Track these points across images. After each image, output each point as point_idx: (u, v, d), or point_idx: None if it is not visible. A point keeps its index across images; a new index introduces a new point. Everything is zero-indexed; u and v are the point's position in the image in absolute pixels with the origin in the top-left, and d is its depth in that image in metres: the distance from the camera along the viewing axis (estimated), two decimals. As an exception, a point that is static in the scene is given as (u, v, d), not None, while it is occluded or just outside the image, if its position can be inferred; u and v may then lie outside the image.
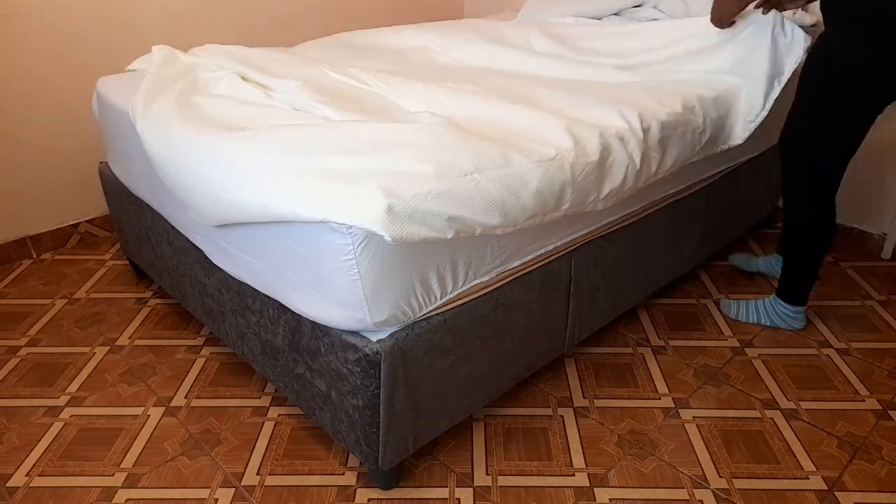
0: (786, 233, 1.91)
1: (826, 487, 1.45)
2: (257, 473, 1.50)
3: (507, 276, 1.45)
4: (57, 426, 1.65)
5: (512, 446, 1.57)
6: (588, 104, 1.58)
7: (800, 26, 1.81)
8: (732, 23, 1.81)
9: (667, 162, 1.62)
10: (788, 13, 1.89)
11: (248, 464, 1.53)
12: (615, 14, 2.40)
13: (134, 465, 1.53)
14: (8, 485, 1.48)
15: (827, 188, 1.76)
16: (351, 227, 1.13)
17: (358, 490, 1.46)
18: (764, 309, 2.01)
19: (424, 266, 1.25)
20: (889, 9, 1.45)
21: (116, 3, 2.37)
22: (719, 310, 2.08)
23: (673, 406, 1.70)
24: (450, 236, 1.19)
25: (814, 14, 2.15)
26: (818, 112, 1.66)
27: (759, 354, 1.89)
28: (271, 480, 1.48)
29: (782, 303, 1.97)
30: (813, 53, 1.67)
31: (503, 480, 1.48)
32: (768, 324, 2.00)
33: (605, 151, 1.44)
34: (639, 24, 2.13)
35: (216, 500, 1.43)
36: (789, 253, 1.91)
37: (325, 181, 1.18)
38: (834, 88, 1.60)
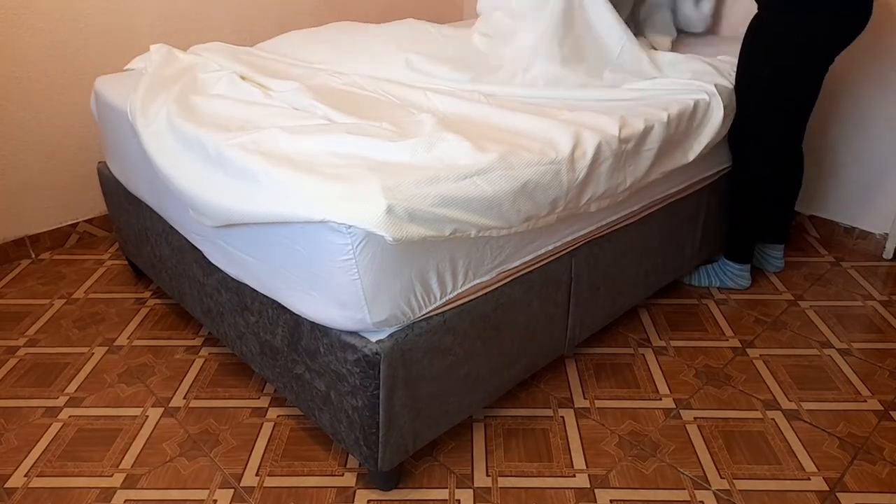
0: (734, 191, 2.05)
1: (827, 488, 1.45)
2: (256, 474, 1.50)
3: (507, 276, 1.44)
4: (55, 427, 1.65)
5: (512, 447, 1.57)
6: (587, 111, 1.58)
7: None
8: None
9: (656, 169, 1.62)
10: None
11: (247, 465, 1.52)
12: None
13: (133, 466, 1.52)
14: (6, 485, 1.48)
15: (777, 146, 1.95)
16: (351, 226, 1.12)
17: (357, 491, 1.45)
18: (714, 272, 2.18)
19: (424, 266, 1.25)
20: None
21: (116, 3, 2.37)
22: (692, 282, 2.20)
23: (674, 407, 1.69)
24: (447, 234, 1.19)
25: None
26: (756, 76, 1.82)
27: (761, 355, 1.88)
28: (270, 481, 1.48)
29: (728, 262, 2.14)
30: (753, 24, 1.83)
31: (503, 481, 1.47)
32: (718, 284, 2.18)
33: (602, 155, 1.43)
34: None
35: (215, 500, 1.43)
36: (737, 211, 2.06)
37: (325, 181, 1.17)
38: (764, 53, 1.80)
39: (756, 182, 1.98)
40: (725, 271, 2.16)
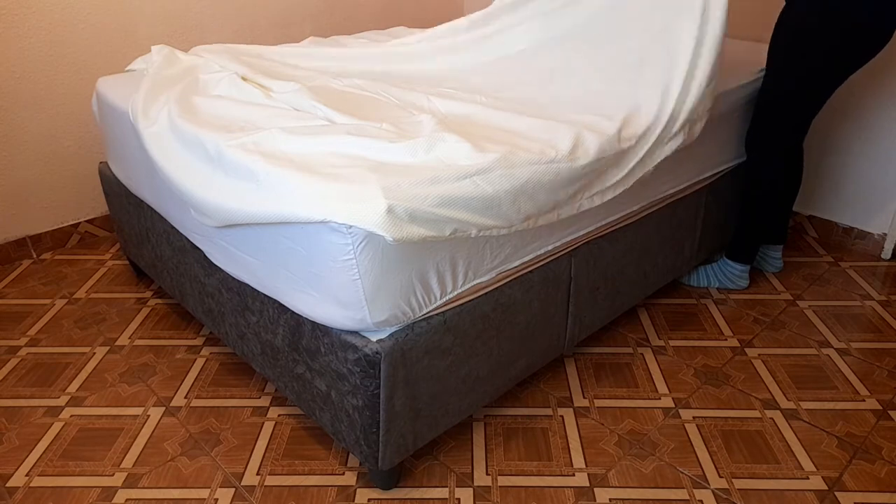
0: (748, 191, 2.04)
1: (826, 487, 1.45)
2: (257, 473, 1.50)
3: (507, 276, 1.45)
4: (57, 426, 1.65)
5: (512, 446, 1.57)
6: (587, 113, 1.58)
7: None
8: None
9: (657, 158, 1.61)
10: None
11: (247, 464, 1.53)
12: None
13: (134, 465, 1.53)
14: (8, 485, 1.48)
15: (786, 149, 1.94)
16: (351, 227, 1.13)
17: (358, 490, 1.46)
18: (713, 272, 2.18)
19: (424, 266, 1.25)
20: None
21: (116, 4, 2.37)
22: (690, 282, 2.21)
23: (673, 406, 1.70)
24: (447, 234, 1.20)
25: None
26: (786, 78, 1.82)
27: (759, 354, 1.89)
28: (271, 480, 1.48)
29: (730, 263, 2.14)
30: (778, 26, 1.82)
31: (503, 480, 1.48)
32: (717, 285, 2.18)
33: (603, 155, 1.44)
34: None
35: (216, 500, 1.43)
36: (747, 212, 2.05)
37: (326, 181, 1.18)
38: (798, 56, 1.77)
39: (771, 182, 1.98)
40: (726, 272, 2.16)
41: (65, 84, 2.35)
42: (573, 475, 1.49)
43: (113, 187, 2.06)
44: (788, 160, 1.99)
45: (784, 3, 1.81)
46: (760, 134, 1.93)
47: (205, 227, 1.52)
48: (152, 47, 2.00)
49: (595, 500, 1.43)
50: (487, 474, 1.49)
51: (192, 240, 1.65)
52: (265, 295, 1.44)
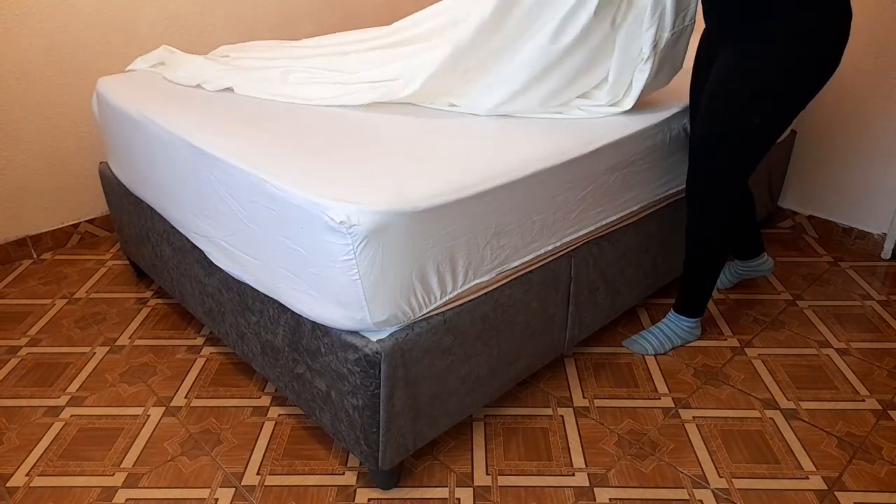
0: (699, 243, 1.75)
1: (826, 487, 1.45)
2: (257, 473, 1.50)
3: (507, 276, 1.45)
4: (57, 426, 1.65)
5: (512, 446, 1.57)
6: None
7: None
8: None
9: None
10: None
11: (248, 464, 1.53)
12: None
13: (134, 465, 1.53)
14: (8, 485, 1.48)
15: (736, 193, 1.66)
16: (352, 226, 1.13)
17: (358, 490, 1.46)
18: (671, 332, 1.90)
19: (424, 266, 1.25)
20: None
21: (116, 4, 2.37)
22: (633, 348, 1.92)
23: (673, 406, 1.70)
24: None
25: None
26: (736, 125, 1.54)
27: (759, 354, 1.89)
28: (271, 480, 1.48)
29: (684, 318, 1.89)
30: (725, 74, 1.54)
31: (503, 480, 1.48)
32: (680, 344, 1.91)
33: None
34: None
35: (216, 500, 1.44)
36: (693, 263, 1.79)
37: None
38: (750, 104, 1.51)
39: (726, 228, 1.72)
40: (682, 328, 1.90)
41: (65, 84, 2.35)
42: (573, 475, 1.49)
43: (113, 187, 2.06)
44: (742, 195, 1.75)
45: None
46: (710, 184, 1.64)
47: (204, 228, 1.52)
48: (156, 51, 2.01)
49: (595, 500, 1.43)
50: (487, 474, 1.50)
51: (192, 240, 1.65)
52: (265, 295, 1.44)
